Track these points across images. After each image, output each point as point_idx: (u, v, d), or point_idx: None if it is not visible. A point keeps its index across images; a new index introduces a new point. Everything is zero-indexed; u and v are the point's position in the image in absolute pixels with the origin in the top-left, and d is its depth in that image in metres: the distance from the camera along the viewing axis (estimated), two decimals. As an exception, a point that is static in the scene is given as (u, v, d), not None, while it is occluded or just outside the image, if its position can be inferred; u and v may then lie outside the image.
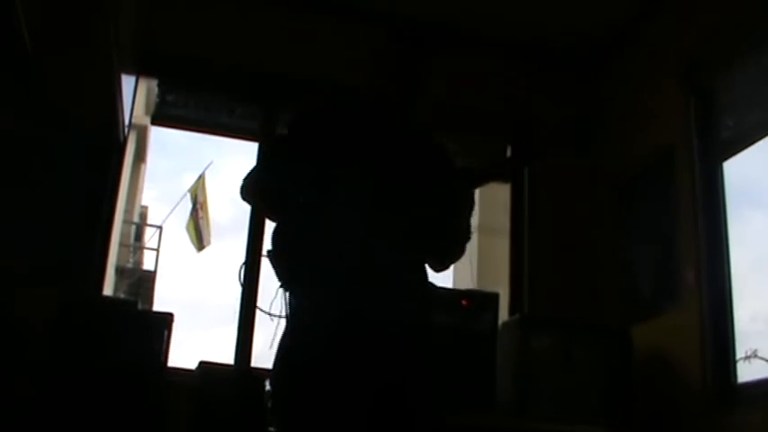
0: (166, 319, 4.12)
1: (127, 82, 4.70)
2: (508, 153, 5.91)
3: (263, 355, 5.14)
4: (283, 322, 2.69)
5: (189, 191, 16.60)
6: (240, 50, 5.31)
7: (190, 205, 16.52)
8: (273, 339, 2.71)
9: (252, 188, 2.83)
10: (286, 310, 2.67)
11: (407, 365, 2.62)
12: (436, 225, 2.78)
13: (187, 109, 5.42)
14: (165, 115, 5.42)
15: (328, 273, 2.58)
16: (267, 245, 2.76)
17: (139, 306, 4.84)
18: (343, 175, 2.66)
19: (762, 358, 4.45)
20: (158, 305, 16.60)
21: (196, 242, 16.34)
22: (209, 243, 16.46)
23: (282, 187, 2.74)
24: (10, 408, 3.43)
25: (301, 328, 2.63)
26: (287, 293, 2.67)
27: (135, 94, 5.16)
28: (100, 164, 4.49)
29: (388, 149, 2.79)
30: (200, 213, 16.48)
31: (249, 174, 2.83)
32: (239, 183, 2.84)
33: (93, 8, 4.12)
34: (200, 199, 16.44)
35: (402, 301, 2.67)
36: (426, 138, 3.00)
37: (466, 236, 2.92)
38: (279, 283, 2.67)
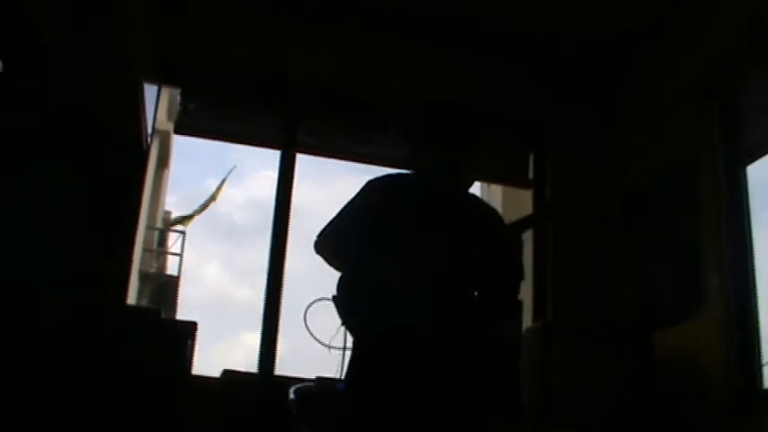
0: (190, 328, 4.13)
1: (150, 90, 4.72)
2: (530, 161, 5.90)
3: (287, 361, 5.15)
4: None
5: (213, 196, 16.72)
6: (261, 59, 5.32)
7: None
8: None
9: (324, 247, 3.16)
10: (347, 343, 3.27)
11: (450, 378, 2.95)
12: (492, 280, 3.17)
13: (209, 118, 5.43)
14: (187, 124, 5.42)
15: (385, 311, 2.91)
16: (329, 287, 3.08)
17: (163, 314, 4.84)
18: (406, 237, 3.02)
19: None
20: (182, 309, 16.67)
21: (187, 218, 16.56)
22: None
23: (351, 247, 3.10)
24: (32, 419, 3.44)
25: (363, 355, 3.00)
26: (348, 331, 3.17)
27: (158, 101, 5.18)
28: (124, 171, 4.50)
29: (444, 215, 3.12)
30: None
31: (323, 231, 3.16)
32: (315, 238, 3.18)
33: (118, 18, 4.15)
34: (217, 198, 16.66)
35: (457, 339, 3.00)
36: (475, 199, 3.36)
37: (518, 282, 3.30)
38: (342, 322, 3.09)
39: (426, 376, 2.87)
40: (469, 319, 3.08)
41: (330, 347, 3.15)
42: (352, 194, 3.19)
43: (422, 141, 3.39)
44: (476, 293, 3.13)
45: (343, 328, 3.18)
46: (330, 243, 3.14)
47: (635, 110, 5.67)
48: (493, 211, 3.36)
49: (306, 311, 3.38)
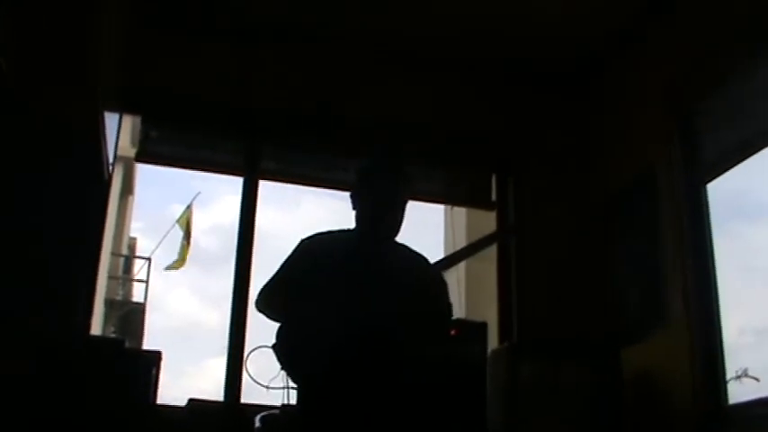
0: (154, 358, 4.09)
1: (111, 119, 4.70)
2: (492, 180, 5.92)
3: (253, 389, 5.12)
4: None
5: (177, 221, 16.59)
6: (222, 86, 5.31)
7: (180, 234, 16.51)
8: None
9: (262, 304, 3.43)
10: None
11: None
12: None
13: (171, 145, 5.39)
14: (149, 152, 5.38)
15: (319, 361, 3.06)
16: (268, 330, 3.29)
17: (127, 343, 4.79)
18: (337, 287, 3.21)
19: (752, 377, 4.44)
20: (149, 337, 16.54)
21: (179, 261, 16.39)
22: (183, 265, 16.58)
23: (285, 302, 3.33)
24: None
25: (309, 399, 3.18)
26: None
27: (119, 130, 5.15)
28: (85, 200, 4.47)
29: (383, 268, 3.34)
30: (188, 241, 16.55)
31: (261, 289, 3.44)
32: (256, 296, 3.45)
33: (78, 46, 4.13)
34: (189, 230, 16.48)
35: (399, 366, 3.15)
36: (415, 254, 3.56)
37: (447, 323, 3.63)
38: (281, 367, 3.26)
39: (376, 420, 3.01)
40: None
41: (269, 388, 3.34)
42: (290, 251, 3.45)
43: (358, 187, 3.57)
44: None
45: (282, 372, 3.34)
46: (265, 299, 3.40)
47: (600, 125, 5.72)
48: (419, 257, 3.55)
49: (246, 358, 3.67)
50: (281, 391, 3.56)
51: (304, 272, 3.34)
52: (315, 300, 3.19)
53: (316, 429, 3.12)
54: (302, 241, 3.48)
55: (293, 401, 3.41)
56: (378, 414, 3.02)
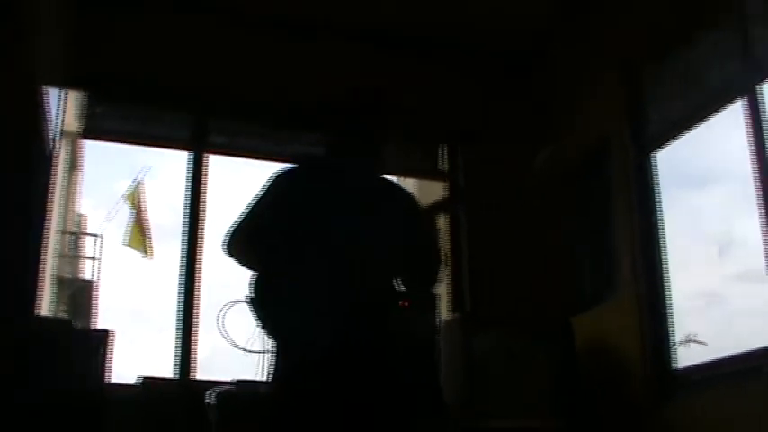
0: (103, 337, 4.05)
1: (54, 94, 4.62)
2: (443, 154, 5.93)
3: (207, 364, 5.10)
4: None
5: (125, 196, 16.34)
6: (168, 60, 5.24)
7: (128, 211, 16.25)
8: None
9: (234, 248, 3.02)
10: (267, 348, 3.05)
11: (382, 384, 2.92)
12: (411, 264, 3.10)
13: (117, 121, 5.32)
14: (94, 128, 5.30)
15: (309, 314, 2.82)
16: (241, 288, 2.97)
17: (77, 323, 4.75)
18: (321, 227, 2.93)
19: (700, 342, 4.51)
20: (100, 314, 16.37)
21: (143, 248, 16.08)
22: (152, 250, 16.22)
23: (263, 246, 2.97)
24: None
25: (287, 364, 2.89)
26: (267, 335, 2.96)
27: (63, 105, 5.06)
28: (30, 176, 4.40)
29: (360, 199, 3.05)
30: (144, 218, 16.24)
31: (232, 231, 3.01)
32: (223, 239, 3.02)
33: (15, 23, 4.04)
34: (140, 205, 16.20)
35: (380, 334, 2.96)
36: (392, 187, 3.28)
37: (438, 263, 3.24)
38: (259, 326, 2.92)
39: (350, 379, 2.81)
40: (389, 318, 3.04)
41: (248, 351, 2.97)
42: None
43: (336, 130, 3.23)
44: (397, 282, 3.08)
45: (261, 331, 2.98)
46: (240, 243, 3.02)
47: (553, 97, 5.74)
48: (409, 195, 3.30)
49: (220, 315, 3.20)
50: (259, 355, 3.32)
51: (283, 211, 3.00)
52: (297, 245, 2.91)
53: (291, 401, 2.86)
54: (277, 175, 3.12)
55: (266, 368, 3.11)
56: (349, 393, 2.83)
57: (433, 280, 3.24)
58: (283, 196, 3.02)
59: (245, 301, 2.91)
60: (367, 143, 3.12)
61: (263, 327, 2.91)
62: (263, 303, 2.89)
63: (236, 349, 3.01)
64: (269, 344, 2.94)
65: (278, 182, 3.08)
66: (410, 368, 3.18)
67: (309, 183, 3.06)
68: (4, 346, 3.61)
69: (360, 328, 2.84)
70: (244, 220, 3.00)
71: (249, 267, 2.97)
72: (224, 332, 3.13)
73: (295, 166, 3.18)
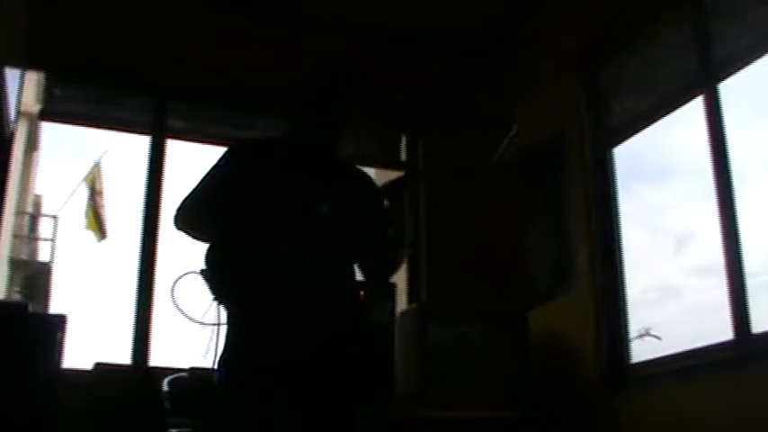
0: (59, 321, 4.01)
1: (12, 75, 4.56)
2: (402, 141, 5.93)
3: (163, 351, 5.08)
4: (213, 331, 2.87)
5: (84, 179, 16.19)
6: (129, 42, 5.18)
7: (86, 193, 16.10)
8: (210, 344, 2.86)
9: (185, 220, 2.96)
10: (220, 322, 2.85)
11: (340, 370, 2.83)
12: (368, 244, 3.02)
13: (76, 103, 5.26)
14: (53, 111, 5.24)
15: (265, 287, 2.78)
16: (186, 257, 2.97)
17: (32, 307, 4.70)
18: (279, 197, 2.88)
19: (654, 336, 4.56)
20: (56, 298, 16.23)
21: (97, 232, 15.93)
22: (108, 234, 16.07)
23: (215, 218, 2.90)
24: None
25: (241, 340, 2.82)
26: (221, 307, 2.85)
27: (21, 87, 5.00)
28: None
29: (319, 174, 2.97)
30: (100, 202, 16.08)
31: (183, 203, 2.95)
32: (174, 212, 2.95)
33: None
34: (98, 188, 16.05)
35: (337, 314, 2.89)
36: (350, 165, 3.23)
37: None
38: (213, 297, 2.84)
39: (305, 363, 2.75)
40: (346, 305, 2.98)
41: (203, 324, 2.87)
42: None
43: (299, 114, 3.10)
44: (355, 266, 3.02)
45: (214, 304, 2.87)
46: (191, 214, 2.96)
47: (512, 89, 5.76)
48: (366, 175, 3.23)
49: (172, 286, 3.09)
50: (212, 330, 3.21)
51: (237, 184, 2.92)
52: (251, 219, 2.84)
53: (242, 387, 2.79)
54: (232, 149, 3.07)
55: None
56: (302, 379, 2.77)
57: (393, 264, 3.21)
58: (237, 170, 2.96)
59: (199, 273, 2.83)
60: (324, 118, 3.04)
61: (216, 298, 2.83)
62: (215, 272, 2.82)
63: (190, 321, 2.90)
64: (223, 318, 2.85)
65: (232, 156, 3.04)
66: (363, 356, 3.12)
67: (263, 156, 3.01)
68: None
69: (315, 307, 2.81)
70: (193, 191, 2.95)
71: (199, 238, 2.92)
72: (176, 304, 3.03)
73: (252, 140, 3.23)
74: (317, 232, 2.86)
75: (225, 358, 2.81)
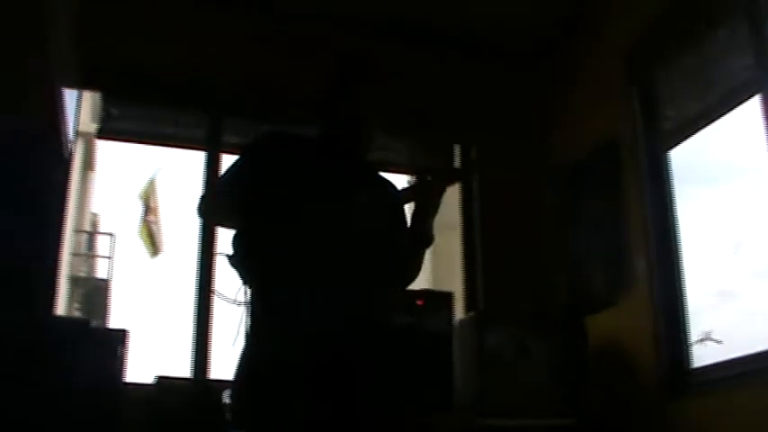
0: (120, 337, 4.06)
1: (70, 95, 4.64)
2: (456, 151, 5.93)
3: (222, 366, 5.12)
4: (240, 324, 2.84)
5: (139, 196, 16.43)
6: (184, 59, 5.25)
7: (141, 210, 16.34)
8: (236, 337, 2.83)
9: (209, 209, 3.01)
10: (247, 312, 2.83)
11: (370, 368, 2.77)
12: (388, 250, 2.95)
13: (132, 121, 5.35)
14: (110, 129, 5.33)
15: (293, 276, 2.73)
16: (223, 250, 2.88)
17: (93, 322, 4.76)
18: (303, 190, 2.82)
19: (714, 340, 4.50)
20: (114, 314, 16.45)
21: (150, 248, 16.16)
22: (162, 249, 16.29)
23: (239, 207, 2.86)
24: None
25: (266, 334, 2.76)
26: (249, 296, 2.83)
27: (79, 106, 5.09)
28: (47, 176, 4.43)
29: (343, 171, 2.95)
30: (153, 219, 16.31)
31: (206, 193, 3.07)
32: (197, 201, 2.98)
33: (31, 24, 4.06)
34: (151, 204, 16.28)
35: (367, 307, 2.84)
36: (374, 168, 3.20)
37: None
38: (243, 283, 2.83)
39: (327, 355, 2.69)
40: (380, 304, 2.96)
41: (237, 303, 2.85)
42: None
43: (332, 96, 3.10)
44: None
45: (244, 288, 2.86)
46: (211, 203, 3.01)
47: (563, 94, 5.72)
48: (389, 181, 3.19)
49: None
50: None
51: (263, 177, 2.87)
52: (273, 219, 2.79)
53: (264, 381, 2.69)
54: (254, 142, 3.11)
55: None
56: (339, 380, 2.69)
57: (408, 274, 3.11)
58: (263, 162, 2.91)
59: (227, 259, 2.83)
60: (354, 122, 3.02)
61: (244, 283, 2.83)
62: (241, 259, 2.81)
63: (224, 301, 2.91)
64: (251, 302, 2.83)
65: (260, 145, 3.05)
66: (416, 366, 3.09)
67: (288, 149, 2.97)
68: (23, 346, 3.63)
69: (345, 304, 2.76)
70: (217, 183, 2.96)
71: (222, 224, 2.96)
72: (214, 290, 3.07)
73: (277, 132, 3.12)
74: (340, 226, 2.83)
75: (245, 358, 2.75)
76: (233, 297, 2.87)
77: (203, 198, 3.00)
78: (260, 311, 2.80)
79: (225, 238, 3.02)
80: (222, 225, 2.97)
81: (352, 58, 3.15)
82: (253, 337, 2.79)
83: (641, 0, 4.91)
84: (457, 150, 5.97)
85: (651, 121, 4.84)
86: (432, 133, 5.87)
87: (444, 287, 5.23)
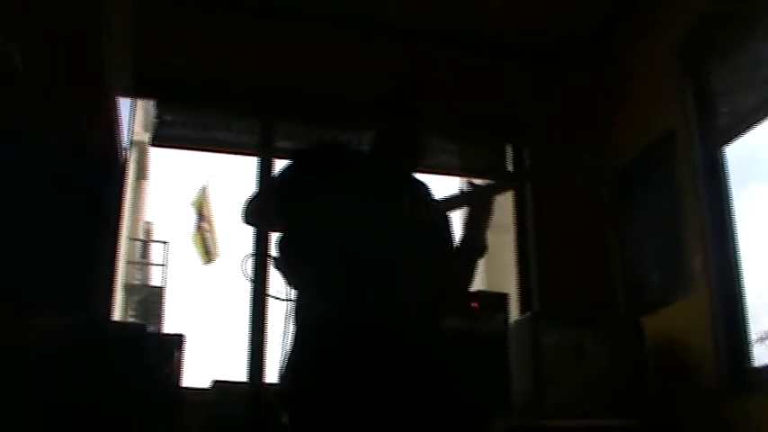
0: (177, 341, 4.11)
1: (124, 103, 4.70)
2: (508, 152, 5.92)
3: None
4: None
5: (192, 204, 16.60)
6: (236, 66, 5.29)
7: (194, 218, 16.51)
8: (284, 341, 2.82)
9: (253, 213, 2.99)
10: (293, 313, 2.82)
11: (419, 364, 2.74)
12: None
13: (185, 128, 5.40)
14: (163, 136, 5.39)
15: (339, 282, 2.71)
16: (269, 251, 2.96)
17: (149, 328, 4.81)
18: (349, 200, 2.81)
19: (776, 339, 4.45)
20: (168, 321, 16.61)
21: (203, 255, 16.32)
22: (217, 256, 16.43)
23: (285, 211, 2.86)
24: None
25: (312, 333, 2.76)
26: (293, 297, 2.83)
27: (133, 114, 5.15)
28: (103, 185, 4.49)
29: (393, 188, 2.95)
30: (206, 226, 16.46)
31: (252, 198, 2.98)
32: (242, 206, 2.97)
33: (86, 31, 4.12)
34: (204, 212, 16.44)
35: (413, 306, 2.82)
36: (423, 183, 3.14)
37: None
38: (287, 284, 2.81)
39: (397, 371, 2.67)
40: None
41: (281, 299, 2.84)
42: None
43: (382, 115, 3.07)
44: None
45: (289, 290, 2.84)
46: (256, 207, 2.99)
47: (614, 90, 5.67)
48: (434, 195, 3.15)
49: (243, 262, 3.09)
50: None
51: (307, 181, 2.87)
52: (322, 226, 2.78)
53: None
54: (310, 146, 3.16)
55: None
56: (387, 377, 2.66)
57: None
58: (311, 170, 2.92)
59: (272, 263, 2.81)
60: (405, 136, 3.00)
61: (288, 284, 2.81)
62: (289, 257, 2.78)
63: (278, 300, 2.90)
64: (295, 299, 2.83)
65: (306, 154, 3.06)
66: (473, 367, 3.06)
67: (340, 162, 2.96)
68: (83, 350, 3.68)
69: (392, 302, 2.76)
70: (262, 190, 3.05)
71: (268, 228, 3.00)
72: (248, 276, 3.03)
73: (327, 144, 3.14)
74: (388, 235, 2.81)
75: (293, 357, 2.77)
76: (286, 296, 2.87)
77: (250, 201, 3.00)
78: (305, 314, 2.81)
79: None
80: (268, 228, 2.97)
81: (415, 74, 3.12)
82: (297, 340, 2.80)
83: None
84: (509, 152, 5.94)
85: (706, 117, 4.78)
86: (484, 136, 5.85)
87: (498, 289, 5.21)
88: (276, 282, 2.87)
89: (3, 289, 3.64)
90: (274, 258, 2.79)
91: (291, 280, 2.80)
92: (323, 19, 5.48)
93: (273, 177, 3.01)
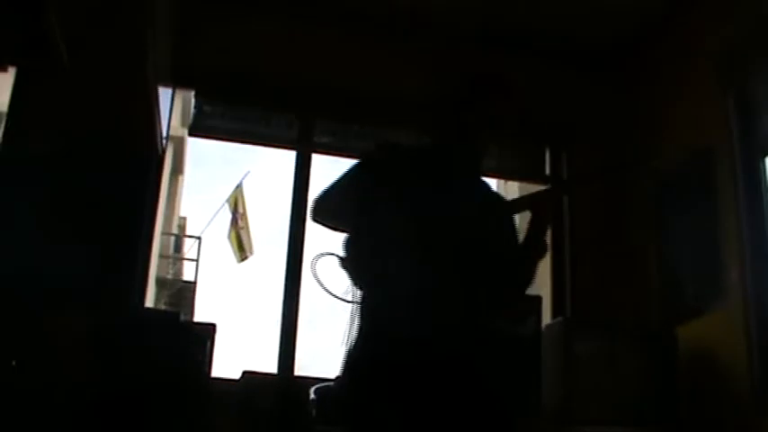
0: (209, 330, 4.13)
1: (164, 94, 4.72)
2: (546, 155, 5.90)
3: (307, 364, 5.15)
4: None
5: (227, 201, 16.68)
6: (277, 59, 5.33)
7: (229, 215, 16.58)
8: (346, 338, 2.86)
9: (322, 211, 3.01)
10: (357, 312, 2.87)
11: (476, 372, 2.79)
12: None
13: (224, 119, 5.42)
14: (202, 126, 5.41)
15: (402, 283, 2.74)
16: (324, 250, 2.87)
17: (181, 317, 4.84)
18: (412, 205, 2.84)
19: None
20: (199, 316, 16.68)
21: (238, 252, 16.38)
22: (251, 253, 16.49)
23: (351, 210, 2.90)
24: (53, 423, 3.44)
25: (373, 333, 2.81)
26: (358, 297, 2.86)
27: (172, 106, 5.18)
28: (139, 178, 4.52)
29: (457, 189, 2.97)
30: (241, 223, 16.53)
31: (320, 197, 3.01)
32: (312, 205, 3.02)
33: (129, 22, 4.16)
34: (239, 209, 16.50)
35: (476, 315, 2.87)
36: (486, 183, 3.20)
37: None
38: (353, 285, 2.84)
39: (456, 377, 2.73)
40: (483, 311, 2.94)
41: (343, 300, 2.86)
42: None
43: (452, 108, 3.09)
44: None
45: (353, 290, 2.88)
46: (325, 205, 3.01)
47: (653, 99, 5.62)
48: (498, 193, 3.25)
49: (313, 263, 3.07)
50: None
51: (373, 182, 2.92)
52: (387, 228, 2.82)
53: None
54: (375, 149, 3.17)
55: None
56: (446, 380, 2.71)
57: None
58: (381, 168, 2.97)
59: (338, 262, 2.82)
60: (475, 134, 3.03)
61: (355, 283, 2.83)
62: (356, 257, 2.80)
63: (330, 296, 2.90)
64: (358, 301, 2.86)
65: (378, 152, 3.11)
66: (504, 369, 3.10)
67: (405, 164, 2.98)
68: (116, 337, 3.71)
69: (453, 307, 2.78)
70: (332, 187, 3.00)
71: (335, 228, 2.95)
72: (317, 277, 3.01)
73: (395, 145, 3.14)
74: (452, 237, 2.84)
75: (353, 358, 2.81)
76: (342, 293, 2.90)
77: (321, 200, 3.02)
78: (368, 314, 2.84)
79: (314, 240, 3.03)
80: (334, 228, 2.98)
81: (487, 72, 3.17)
82: (361, 337, 2.84)
83: (734, 3, 4.81)
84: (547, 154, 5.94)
85: (747, 127, 4.73)
86: (522, 139, 5.83)
87: (531, 292, 5.19)
88: (333, 282, 2.92)
89: (45, 277, 3.69)
90: (340, 258, 2.81)
91: (356, 280, 2.83)
92: (367, 19, 5.49)
93: (343, 178, 3.01)
